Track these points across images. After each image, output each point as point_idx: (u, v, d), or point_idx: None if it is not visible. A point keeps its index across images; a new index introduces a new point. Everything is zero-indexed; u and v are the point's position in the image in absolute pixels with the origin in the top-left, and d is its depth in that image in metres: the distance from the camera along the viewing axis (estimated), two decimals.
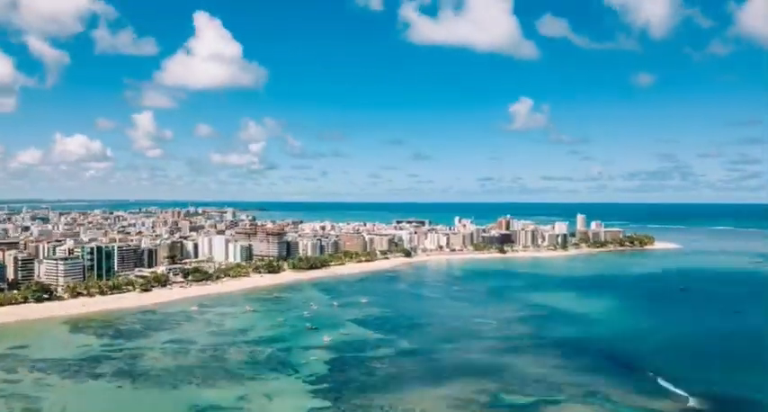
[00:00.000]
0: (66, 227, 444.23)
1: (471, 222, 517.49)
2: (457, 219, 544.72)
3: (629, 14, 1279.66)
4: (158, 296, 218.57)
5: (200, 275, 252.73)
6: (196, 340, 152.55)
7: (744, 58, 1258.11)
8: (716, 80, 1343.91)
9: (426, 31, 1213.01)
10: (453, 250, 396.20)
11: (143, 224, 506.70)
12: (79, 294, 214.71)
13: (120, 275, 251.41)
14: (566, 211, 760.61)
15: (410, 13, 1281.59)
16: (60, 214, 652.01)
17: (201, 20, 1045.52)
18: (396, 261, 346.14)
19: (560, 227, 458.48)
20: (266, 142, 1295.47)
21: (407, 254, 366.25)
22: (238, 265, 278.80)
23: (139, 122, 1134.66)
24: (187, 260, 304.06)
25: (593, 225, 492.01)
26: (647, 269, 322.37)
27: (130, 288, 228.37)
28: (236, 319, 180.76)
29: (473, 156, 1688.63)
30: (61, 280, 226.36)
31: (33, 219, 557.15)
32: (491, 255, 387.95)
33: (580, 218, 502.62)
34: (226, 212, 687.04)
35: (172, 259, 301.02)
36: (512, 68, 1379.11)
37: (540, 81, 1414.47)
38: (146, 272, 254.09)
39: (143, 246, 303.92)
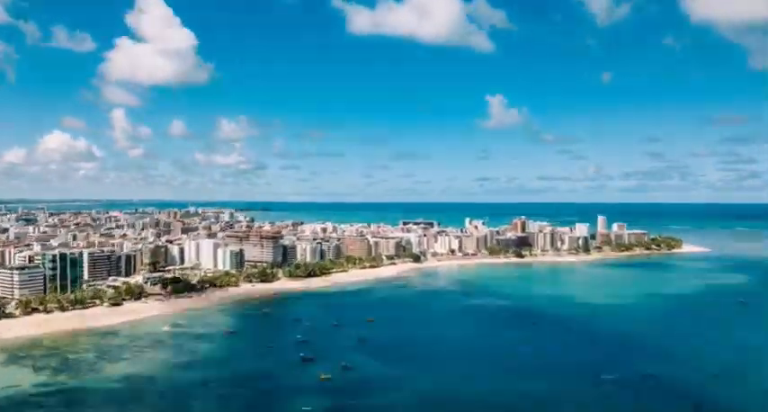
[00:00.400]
0: (48, 228, 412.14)
1: (483, 224, 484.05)
2: (467, 220, 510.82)
3: (579, 5, 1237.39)
4: (128, 312, 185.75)
5: (182, 286, 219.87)
6: (157, 377, 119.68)
7: (700, 50, 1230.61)
8: (679, 74, 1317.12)
9: (369, 22, 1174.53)
10: (466, 254, 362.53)
11: (132, 225, 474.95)
12: (34, 310, 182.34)
13: (92, 285, 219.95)
14: (563, 211, 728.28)
15: (342, 4, 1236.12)
16: (50, 214, 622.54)
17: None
18: (404, 267, 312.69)
19: (581, 229, 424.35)
20: (249, 141, 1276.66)
21: (416, 259, 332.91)
22: (227, 274, 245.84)
23: (115, 121, 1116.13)
24: (171, 267, 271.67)
25: (616, 227, 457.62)
26: (687, 276, 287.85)
27: (97, 302, 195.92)
28: (213, 345, 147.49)
29: (462, 155, 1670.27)
30: (17, 292, 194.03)
31: (18, 219, 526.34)
32: (508, 260, 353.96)
33: (601, 219, 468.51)
34: (223, 213, 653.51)
35: (154, 266, 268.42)
36: (470, 62, 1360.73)
37: (503, 76, 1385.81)
38: (121, 281, 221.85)
39: (122, 251, 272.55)
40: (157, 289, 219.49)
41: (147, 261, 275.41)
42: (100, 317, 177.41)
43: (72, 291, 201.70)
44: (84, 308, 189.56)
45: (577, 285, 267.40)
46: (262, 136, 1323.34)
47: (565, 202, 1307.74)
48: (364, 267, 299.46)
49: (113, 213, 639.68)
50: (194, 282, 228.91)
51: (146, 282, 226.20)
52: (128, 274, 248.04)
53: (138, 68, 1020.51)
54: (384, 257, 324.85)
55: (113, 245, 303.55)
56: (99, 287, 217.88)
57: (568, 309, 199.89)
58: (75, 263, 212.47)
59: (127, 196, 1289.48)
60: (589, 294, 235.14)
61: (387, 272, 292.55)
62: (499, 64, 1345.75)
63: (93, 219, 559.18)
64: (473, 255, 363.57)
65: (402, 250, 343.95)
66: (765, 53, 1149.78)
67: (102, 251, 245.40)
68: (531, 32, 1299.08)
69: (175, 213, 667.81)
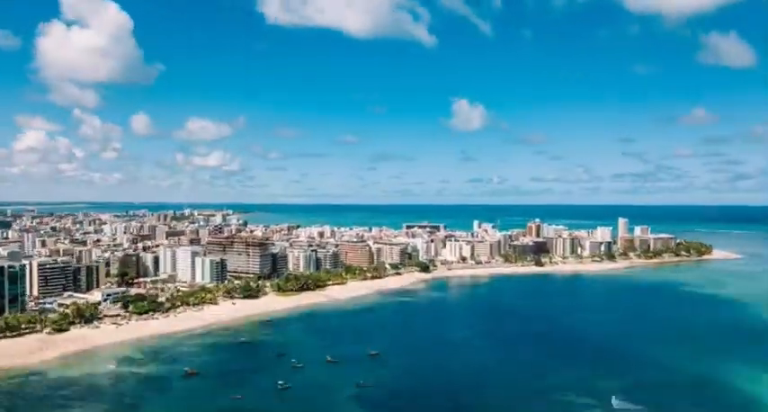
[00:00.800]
0: (16, 233, 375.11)
1: (494, 227, 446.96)
2: (476, 223, 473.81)
3: None
4: (71, 341, 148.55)
5: (146, 305, 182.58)
6: None
7: (645, 43, 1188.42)
8: (628, 69, 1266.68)
9: (286, 11, 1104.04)
10: (479, 262, 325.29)
11: (115, 230, 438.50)
12: None
13: (41, 304, 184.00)
14: (561, 213, 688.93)
15: None
16: (33, 217, 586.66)
17: None
18: (410, 278, 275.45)
19: (603, 233, 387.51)
20: (224, 142, 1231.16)
21: (424, 268, 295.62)
22: (203, 289, 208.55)
23: (84, 121, 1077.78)
24: (142, 279, 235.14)
25: (638, 230, 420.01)
26: (735, 286, 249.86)
27: (37, 326, 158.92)
28: (165, 396, 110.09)
29: (444, 156, 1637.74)
30: None
31: None
32: (526, 268, 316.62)
33: (622, 222, 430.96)
34: (215, 215, 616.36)
35: (122, 278, 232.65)
36: (417, 58, 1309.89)
37: (452, 72, 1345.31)
38: (71, 301, 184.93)
39: (89, 260, 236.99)
40: (117, 308, 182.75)
41: (116, 272, 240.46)
42: (29, 350, 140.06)
43: (12, 311, 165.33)
44: (17, 335, 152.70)
45: (618, 297, 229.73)
46: (236, 135, 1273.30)
47: (561, 204, 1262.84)
48: (365, 278, 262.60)
49: (103, 216, 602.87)
50: (162, 299, 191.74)
51: (104, 300, 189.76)
52: (89, 289, 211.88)
53: (77, 65, 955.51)
54: (387, 266, 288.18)
55: (81, 252, 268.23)
56: (48, 306, 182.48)
57: (620, 333, 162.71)
58: (16, 277, 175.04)
59: (127, 198, 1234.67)
60: (634, 308, 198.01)
61: (391, 284, 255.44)
62: (445, 59, 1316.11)
63: (76, 223, 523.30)
64: (487, 262, 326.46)
65: (407, 258, 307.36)
66: (713, 47, 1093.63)
67: (56, 262, 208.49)
68: (467, 22, 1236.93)
69: (166, 216, 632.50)
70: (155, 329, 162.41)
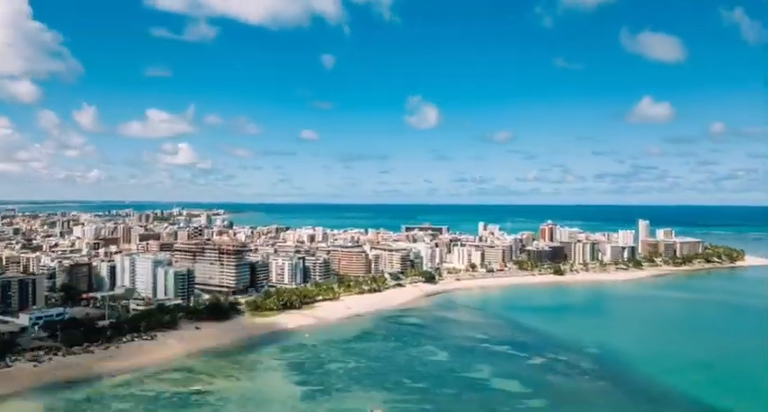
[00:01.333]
0: None
1: (501, 230, 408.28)
2: (481, 225, 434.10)
3: None
4: None
5: (80, 335, 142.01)
6: None
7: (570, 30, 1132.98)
8: (551, 61, 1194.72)
9: None
10: (491, 270, 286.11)
11: (83, 232, 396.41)
12: None
13: None
14: (553, 214, 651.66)
15: None
16: (4, 217, 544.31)
17: None
18: (414, 291, 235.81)
19: (625, 237, 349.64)
20: (188, 138, 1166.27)
21: (430, 278, 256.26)
22: (160, 309, 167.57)
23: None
24: (93, 294, 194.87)
25: (661, 234, 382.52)
26: None
27: None
28: None
29: (418, 155, 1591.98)
30: None
31: None
32: (546, 277, 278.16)
33: (642, 224, 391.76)
34: (199, 216, 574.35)
35: (68, 294, 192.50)
36: (334, 50, 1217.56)
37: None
38: (1, 322, 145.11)
39: (37, 269, 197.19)
40: (45, 337, 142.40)
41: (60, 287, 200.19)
42: None
43: None
44: None
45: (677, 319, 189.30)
46: (200, 133, 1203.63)
47: (550, 205, 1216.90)
48: (362, 291, 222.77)
49: (84, 216, 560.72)
50: (104, 323, 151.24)
51: (33, 325, 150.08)
52: (23, 308, 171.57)
53: None
54: (387, 276, 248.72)
55: (28, 260, 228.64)
56: None
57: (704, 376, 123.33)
58: None
59: (118, 197, 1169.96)
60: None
61: (393, 299, 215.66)
62: (366, 51, 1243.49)
63: (45, 224, 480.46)
64: (499, 270, 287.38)
65: (410, 266, 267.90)
66: (636, 40, 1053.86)
67: None
68: (372, 10, 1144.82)
69: (148, 216, 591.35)
70: (81, 371, 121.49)
